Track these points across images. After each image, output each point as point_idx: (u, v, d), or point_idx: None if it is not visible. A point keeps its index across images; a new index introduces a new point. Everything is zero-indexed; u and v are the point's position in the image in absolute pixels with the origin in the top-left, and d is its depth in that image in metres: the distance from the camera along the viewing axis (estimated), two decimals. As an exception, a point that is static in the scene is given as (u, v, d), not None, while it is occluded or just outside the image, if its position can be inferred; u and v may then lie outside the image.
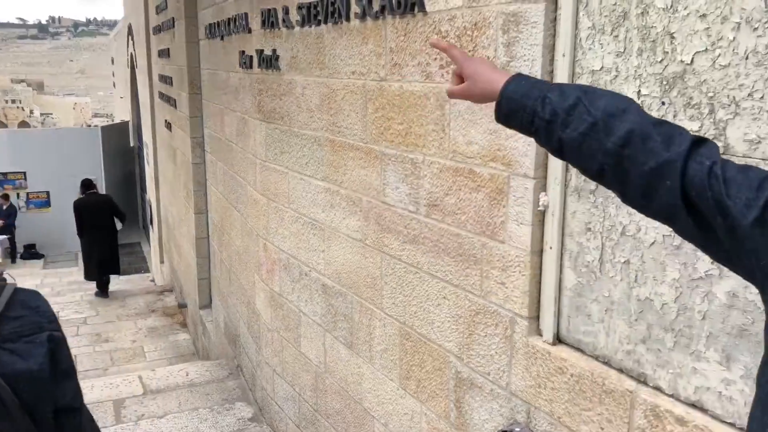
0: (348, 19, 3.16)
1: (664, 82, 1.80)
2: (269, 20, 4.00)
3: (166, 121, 9.98)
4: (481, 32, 2.36)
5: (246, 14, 4.44)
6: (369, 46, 3.04)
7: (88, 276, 11.53)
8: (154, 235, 13.46)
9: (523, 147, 2.22)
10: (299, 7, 3.60)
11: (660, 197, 0.98)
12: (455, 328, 2.66)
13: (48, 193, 19.53)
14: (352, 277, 3.41)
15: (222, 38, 5.30)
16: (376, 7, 2.92)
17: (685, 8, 1.72)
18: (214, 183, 6.49)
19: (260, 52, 4.18)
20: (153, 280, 14.04)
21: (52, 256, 19.42)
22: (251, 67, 4.39)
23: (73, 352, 8.65)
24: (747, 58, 1.59)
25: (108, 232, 11.10)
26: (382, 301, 3.16)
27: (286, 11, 3.78)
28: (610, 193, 1.98)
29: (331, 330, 3.70)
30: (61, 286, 13.80)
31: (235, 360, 5.82)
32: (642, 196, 1.01)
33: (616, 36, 1.92)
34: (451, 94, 1.31)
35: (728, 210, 0.90)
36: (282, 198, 4.14)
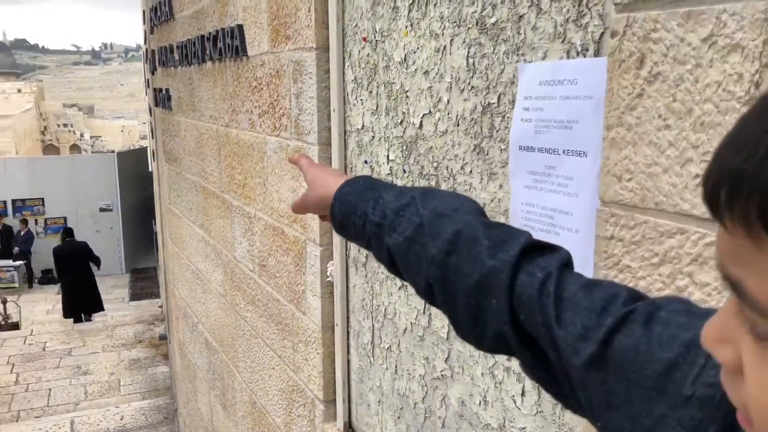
0: (204, 60, 2.97)
1: (404, 147, 1.55)
2: (162, 58, 3.84)
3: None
4: (281, 81, 2.14)
5: (154, 51, 4.31)
6: (218, 89, 2.84)
7: (66, 315, 11.83)
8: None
9: (313, 210, 1.98)
10: (178, 47, 3.43)
11: (491, 324, 0.70)
12: (281, 403, 2.41)
13: (65, 219, 19.78)
14: (222, 334, 3.19)
15: (153, 73, 5.17)
16: (218, 47, 2.73)
17: (413, 63, 1.48)
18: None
19: (159, 90, 4.02)
20: (161, 306, 14.03)
21: (67, 282, 19.61)
22: (158, 105, 4.25)
23: (49, 385, 8.59)
24: (458, 125, 1.34)
25: (85, 276, 11.52)
26: (239, 363, 2.92)
27: (171, 50, 3.62)
28: (377, 266, 1.73)
29: (213, 388, 3.47)
30: (72, 313, 13.87)
31: (175, 402, 5.63)
32: (473, 324, 0.73)
33: (371, 91, 1.68)
34: (293, 208, 1.08)
35: (557, 342, 0.63)
36: (179, 243, 3.95)
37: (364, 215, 0.87)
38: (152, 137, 9.21)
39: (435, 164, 1.42)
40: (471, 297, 0.72)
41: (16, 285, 16.82)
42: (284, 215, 2.21)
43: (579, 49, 1.03)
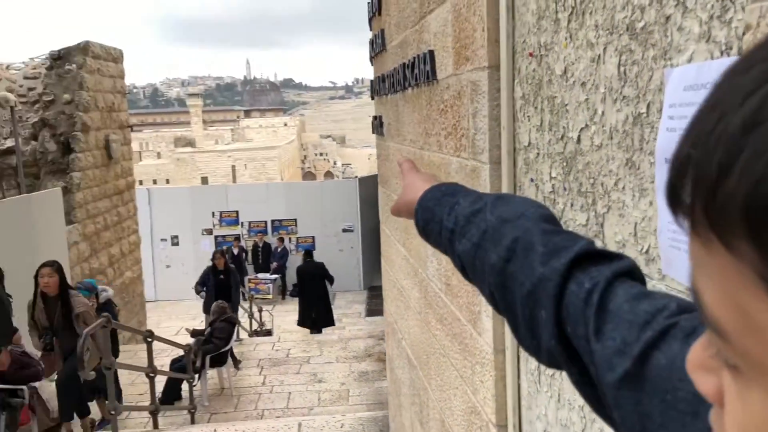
0: (405, 87, 3.10)
1: (565, 163, 1.48)
2: (377, 87, 4.08)
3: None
4: (461, 102, 2.16)
5: (372, 80, 4.59)
6: (415, 114, 2.94)
7: (301, 324, 12.95)
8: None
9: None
10: (387, 76, 3.62)
11: (543, 337, 0.65)
12: (463, 424, 2.40)
13: (313, 237, 21.79)
14: (418, 351, 3.26)
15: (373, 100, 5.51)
16: (415, 73, 2.84)
17: (572, 75, 1.41)
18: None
19: (375, 118, 4.27)
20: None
21: (316, 295, 21.40)
22: (374, 131, 4.51)
23: (290, 389, 9.44)
24: (612, 138, 1.25)
25: (322, 292, 12.57)
26: (431, 381, 2.97)
27: (383, 79, 3.83)
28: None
29: (413, 404, 3.55)
30: (314, 324, 15.21)
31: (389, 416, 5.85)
32: (531, 336, 0.68)
33: (536, 107, 1.63)
34: (391, 210, 1.08)
35: (594, 356, 0.57)
36: (388, 261, 4.13)
37: (440, 221, 0.85)
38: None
39: (591, 180, 1.34)
40: (526, 307, 0.67)
41: (271, 296, 18.78)
42: (465, 235, 2.22)
43: (723, 48, 0.91)
